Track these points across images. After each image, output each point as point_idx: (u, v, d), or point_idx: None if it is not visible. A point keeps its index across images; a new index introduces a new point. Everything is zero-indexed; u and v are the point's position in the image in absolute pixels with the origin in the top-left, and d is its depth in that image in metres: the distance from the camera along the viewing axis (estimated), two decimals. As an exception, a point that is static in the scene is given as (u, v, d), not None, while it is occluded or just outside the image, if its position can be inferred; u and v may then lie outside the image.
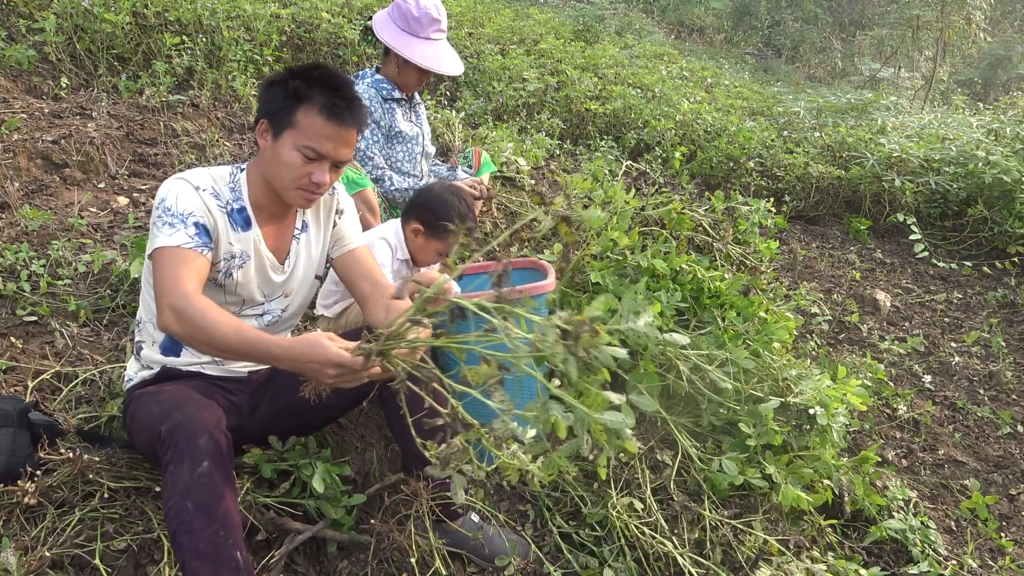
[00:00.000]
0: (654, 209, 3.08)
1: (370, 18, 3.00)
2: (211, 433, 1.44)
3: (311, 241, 1.86)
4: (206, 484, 1.39)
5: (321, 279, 1.95)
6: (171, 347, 1.76)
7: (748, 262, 2.99)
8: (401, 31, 2.81)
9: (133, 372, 1.79)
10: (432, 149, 3.22)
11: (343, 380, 1.42)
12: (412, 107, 3.02)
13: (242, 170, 1.74)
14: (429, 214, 2.28)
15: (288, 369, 1.47)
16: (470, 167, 3.29)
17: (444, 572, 1.80)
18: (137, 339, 1.81)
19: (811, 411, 2.18)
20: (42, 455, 1.67)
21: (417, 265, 2.35)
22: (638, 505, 2.00)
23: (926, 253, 4.60)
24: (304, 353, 1.44)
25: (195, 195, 1.63)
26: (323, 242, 1.89)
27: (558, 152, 4.95)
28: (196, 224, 1.61)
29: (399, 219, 2.39)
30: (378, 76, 2.89)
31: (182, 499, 1.38)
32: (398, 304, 1.75)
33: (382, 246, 2.29)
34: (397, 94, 2.90)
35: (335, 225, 1.89)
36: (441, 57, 2.82)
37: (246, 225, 1.71)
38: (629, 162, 4.85)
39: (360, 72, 2.97)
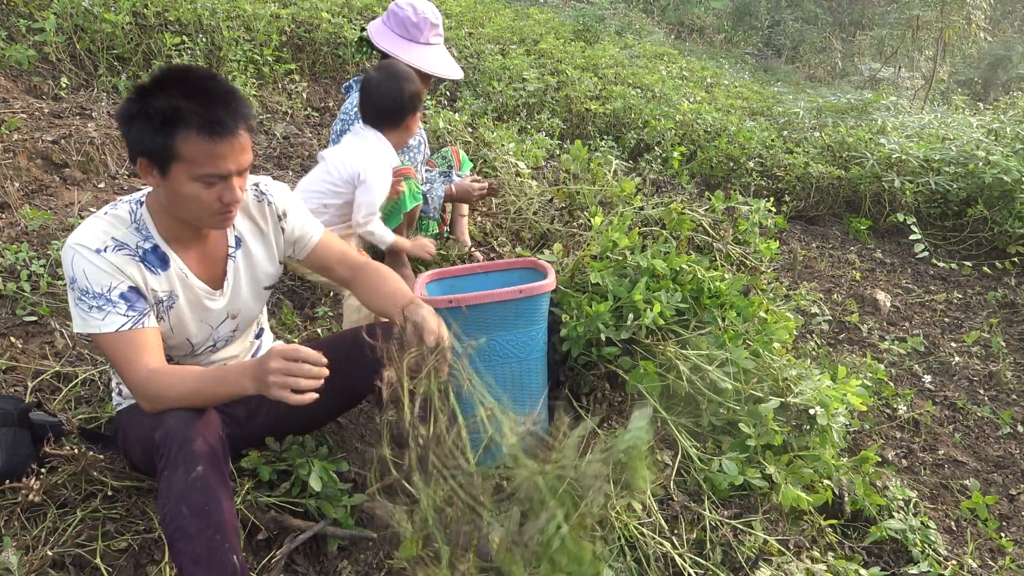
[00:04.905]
0: (654, 209, 3.08)
1: (363, 28, 2.93)
2: (205, 437, 1.43)
3: (251, 255, 1.72)
4: (201, 489, 1.38)
5: (274, 287, 1.85)
6: None
7: (748, 262, 2.99)
8: (402, 39, 2.75)
9: (121, 400, 1.75)
10: (428, 153, 3.22)
11: (291, 377, 1.38)
12: None
13: (141, 203, 1.56)
14: (377, 103, 2.44)
15: (253, 387, 1.44)
16: (450, 167, 3.28)
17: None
18: (115, 380, 1.75)
19: (811, 411, 2.18)
20: (47, 450, 1.67)
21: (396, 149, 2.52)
22: (637, 505, 2.00)
23: (926, 253, 4.60)
24: (257, 359, 1.45)
25: (101, 261, 1.46)
26: (272, 253, 1.76)
27: (558, 152, 4.96)
28: (122, 295, 1.48)
29: (372, 132, 2.49)
30: None
31: (177, 504, 1.37)
32: (394, 288, 1.70)
33: (385, 168, 2.45)
34: None
35: (283, 231, 1.75)
36: (446, 61, 2.80)
37: (163, 264, 1.56)
38: (618, 162, 4.84)
39: (359, 78, 2.87)
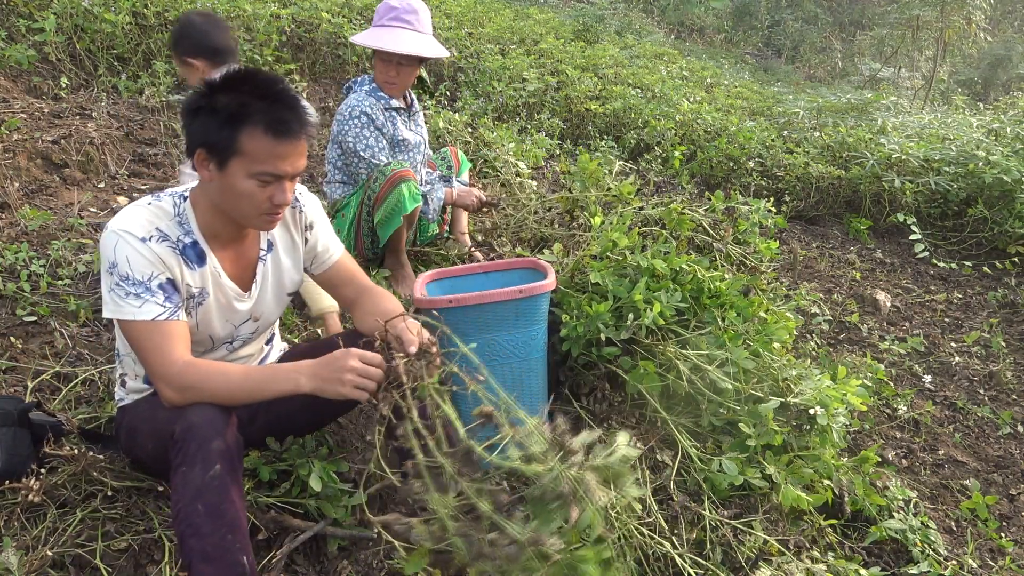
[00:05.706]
0: (654, 209, 3.08)
1: None
2: (224, 437, 1.43)
3: (280, 261, 1.76)
4: (217, 488, 1.38)
5: (293, 295, 1.86)
6: None
7: (748, 262, 2.99)
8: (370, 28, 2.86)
9: (124, 394, 1.75)
10: (430, 153, 3.23)
11: (364, 378, 1.43)
12: (411, 115, 3.03)
13: (185, 198, 1.59)
14: (192, 39, 2.59)
15: (310, 386, 1.47)
16: (450, 168, 3.29)
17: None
18: (120, 372, 1.74)
19: (811, 411, 2.18)
20: (47, 450, 1.67)
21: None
22: (637, 505, 2.00)
23: (926, 253, 4.60)
24: (325, 358, 1.47)
25: (146, 250, 1.48)
26: (295, 260, 1.79)
27: (558, 152, 4.95)
28: (161, 286, 1.50)
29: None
30: (375, 84, 2.90)
31: (192, 502, 1.37)
32: (388, 309, 1.71)
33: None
34: (395, 103, 2.90)
35: (307, 242, 1.78)
36: (389, 39, 2.77)
37: (200, 260, 1.59)
38: (620, 161, 4.84)
39: (358, 79, 2.96)
